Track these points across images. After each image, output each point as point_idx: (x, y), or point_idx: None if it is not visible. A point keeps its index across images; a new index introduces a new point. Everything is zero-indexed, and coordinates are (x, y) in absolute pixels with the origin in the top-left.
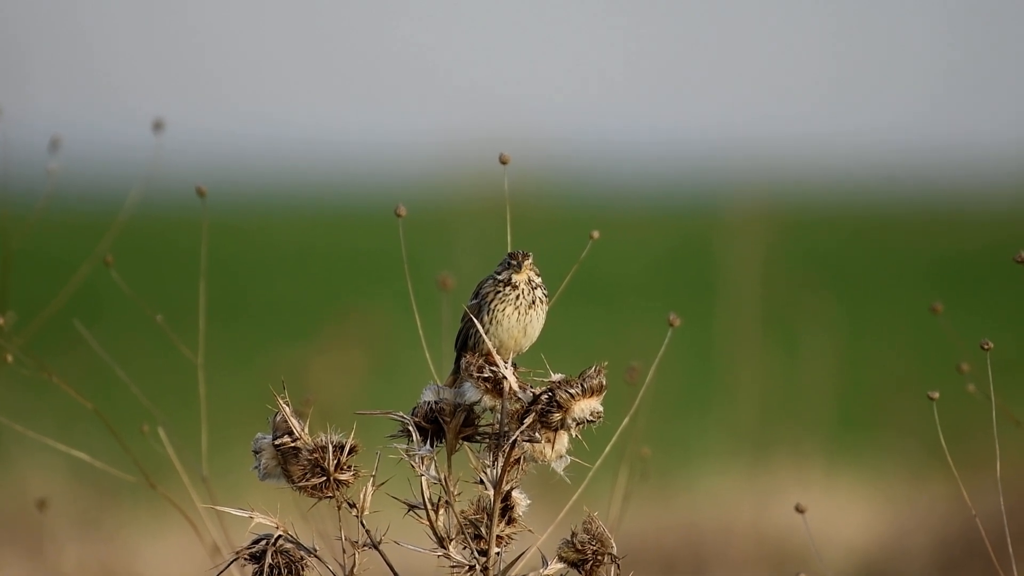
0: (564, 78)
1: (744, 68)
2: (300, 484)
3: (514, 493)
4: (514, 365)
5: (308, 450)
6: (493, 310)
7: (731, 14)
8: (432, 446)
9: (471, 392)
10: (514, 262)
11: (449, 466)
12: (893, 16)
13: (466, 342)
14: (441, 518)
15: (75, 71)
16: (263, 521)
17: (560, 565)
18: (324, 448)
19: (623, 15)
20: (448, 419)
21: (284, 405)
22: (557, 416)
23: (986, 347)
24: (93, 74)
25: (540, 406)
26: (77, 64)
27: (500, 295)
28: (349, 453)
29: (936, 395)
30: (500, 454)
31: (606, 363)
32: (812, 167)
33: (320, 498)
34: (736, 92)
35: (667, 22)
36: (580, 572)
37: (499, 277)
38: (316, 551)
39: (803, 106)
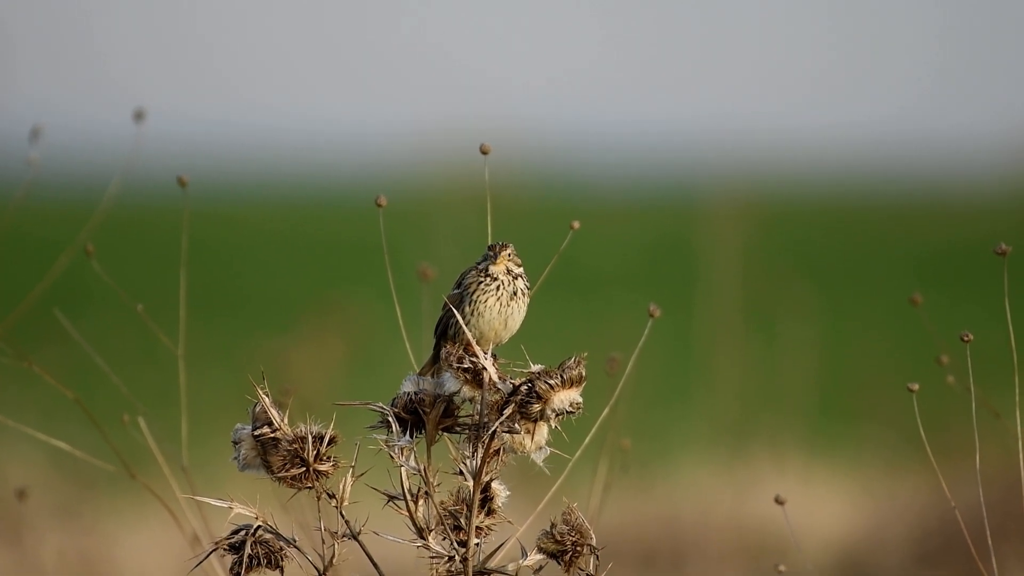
0: (545, 69)
1: (726, 61)
2: (280, 475)
3: (494, 484)
4: (494, 356)
5: (288, 440)
6: (475, 301)
7: (714, 7)
8: (412, 437)
9: (451, 383)
10: (491, 252)
11: (429, 457)
12: (875, 9)
13: (446, 331)
14: (420, 509)
15: (57, 60)
16: (242, 511)
17: (539, 556)
18: (304, 439)
19: (605, 6)
20: (428, 410)
21: (264, 396)
22: (537, 407)
23: (966, 339)
24: (75, 63)
25: (520, 397)
26: (59, 53)
27: (482, 286)
28: (329, 444)
29: (916, 387)
30: (480, 445)
31: (586, 354)
32: (794, 159)
33: (299, 488)
34: (718, 84)
35: (649, 14)
36: (559, 563)
37: (481, 267)
38: (295, 542)
39: (785, 98)
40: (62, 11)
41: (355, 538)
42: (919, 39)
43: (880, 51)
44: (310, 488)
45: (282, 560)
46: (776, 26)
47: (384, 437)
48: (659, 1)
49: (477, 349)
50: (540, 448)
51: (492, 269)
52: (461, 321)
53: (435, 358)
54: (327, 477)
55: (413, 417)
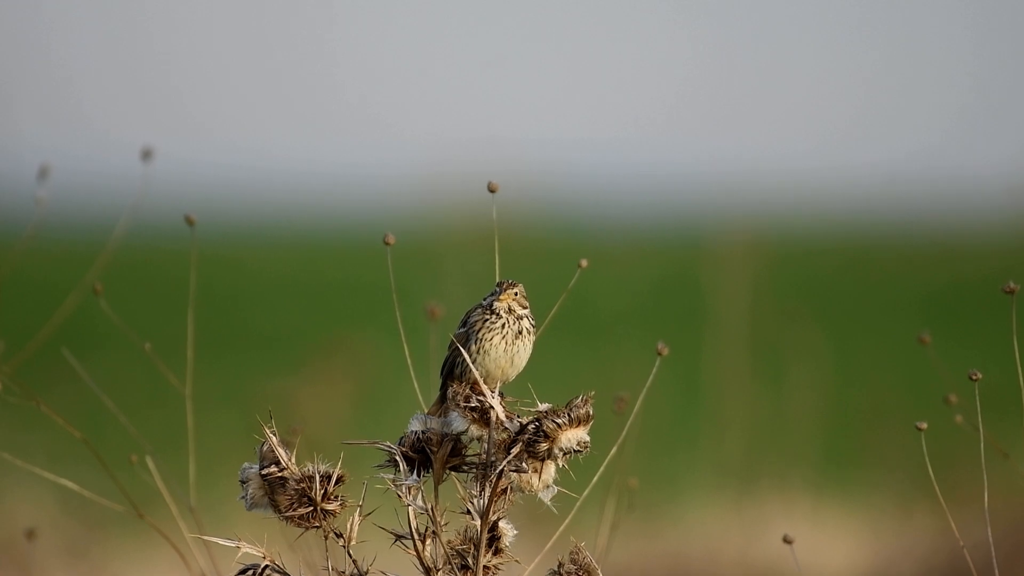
0: (552, 110)
1: (732, 101)
2: (287, 514)
3: (501, 523)
4: (501, 395)
5: (295, 480)
6: (481, 339)
7: (720, 49)
8: (419, 476)
9: (458, 422)
10: (498, 289)
11: (436, 496)
12: (881, 50)
13: (452, 370)
14: (428, 548)
15: (63, 101)
16: (250, 551)
17: None
18: (311, 478)
19: (610, 47)
20: (435, 449)
21: (271, 435)
22: (544, 446)
23: (974, 378)
24: (81, 104)
25: (527, 436)
26: (65, 94)
27: (488, 324)
28: (336, 483)
29: (924, 426)
30: (487, 484)
31: (593, 393)
32: (801, 199)
33: (307, 528)
34: (726, 125)
35: (655, 55)
36: None
37: (486, 304)
38: None
39: (792, 139)
40: (66, 56)
41: None
42: (925, 81)
43: (886, 93)
44: (317, 527)
45: None
46: (784, 70)
47: (391, 476)
48: (666, 41)
49: (484, 388)
50: (547, 487)
51: (496, 304)
52: (468, 360)
53: (442, 398)
54: (334, 516)
55: (420, 456)
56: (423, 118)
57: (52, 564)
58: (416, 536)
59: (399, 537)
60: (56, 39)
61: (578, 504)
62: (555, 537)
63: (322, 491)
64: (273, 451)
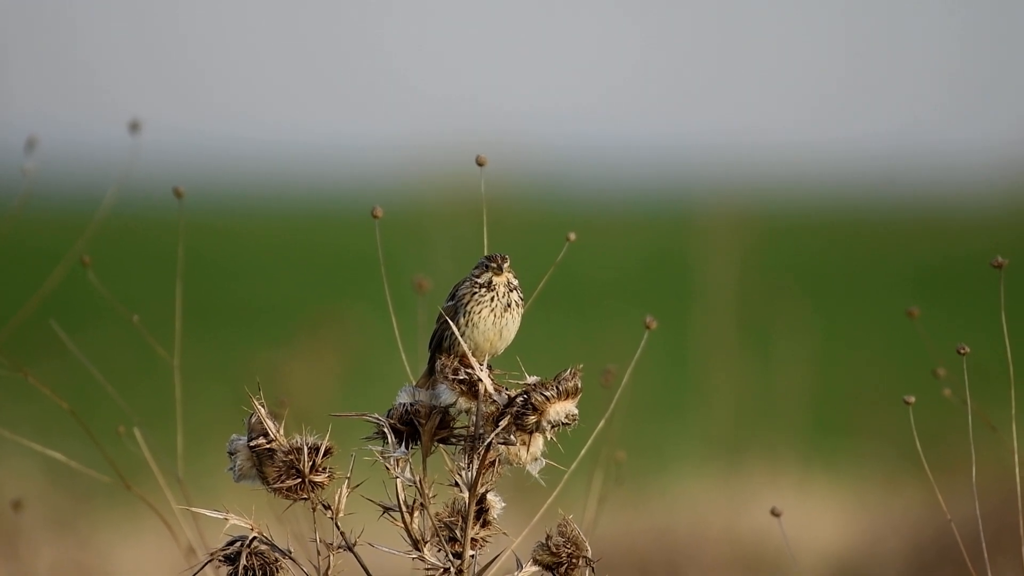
0: (543, 82)
1: (724, 74)
2: (275, 486)
3: (489, 496)
4: (489, 367)
5: (283, 452)
6: (469, 312)
7: (711, 21)
8: (407, 448)
9: (446, 394)
10: (494, 264)
11: (424, 468)
12: (874, 23)
13: (441, 343)
14: (416, 520)
15: (53, 71)
16: (238, 523)
17: (535, 568)
18: (299, 450)
19: (601, 21)
20: (423, 421)
21: (259, 407)
22: (532, 419)
23: (962, 352)
24: (71, 74)
25: (515, 408)
26: (55, 64)
27: (476, 297)
28: (324, 455)
29: (912, 400)
30: (475, 456)
31: (581, 366)
32: (792, 173)
33: (295, 500)
34: (715, 97)
35: (647, 28)
36: (554, 575)
37: (478, 280)
38: (291, 553)
39: (783, 112)
40: (57, 24)
41: (350, 549)
42: (917, 55)
43: (878, 67)
44: (305, 499)
45: (277, 571)
46: (774, 42)
47: (380, 448)
48: (656, 13)
49: (472, 360)
50: (535, 460)
51: (495, 280)
52: (457, 333)
53: (430, 371)
54: (322, 488)
55: (409, 428)
56: (413, 89)
57: (39, 535)
58: (404, 508)
59: (387, 509)
60: (47, 6)
61: (566, 477)
62: (543, 509)
63: (310, 463)
64: (261, 423)
